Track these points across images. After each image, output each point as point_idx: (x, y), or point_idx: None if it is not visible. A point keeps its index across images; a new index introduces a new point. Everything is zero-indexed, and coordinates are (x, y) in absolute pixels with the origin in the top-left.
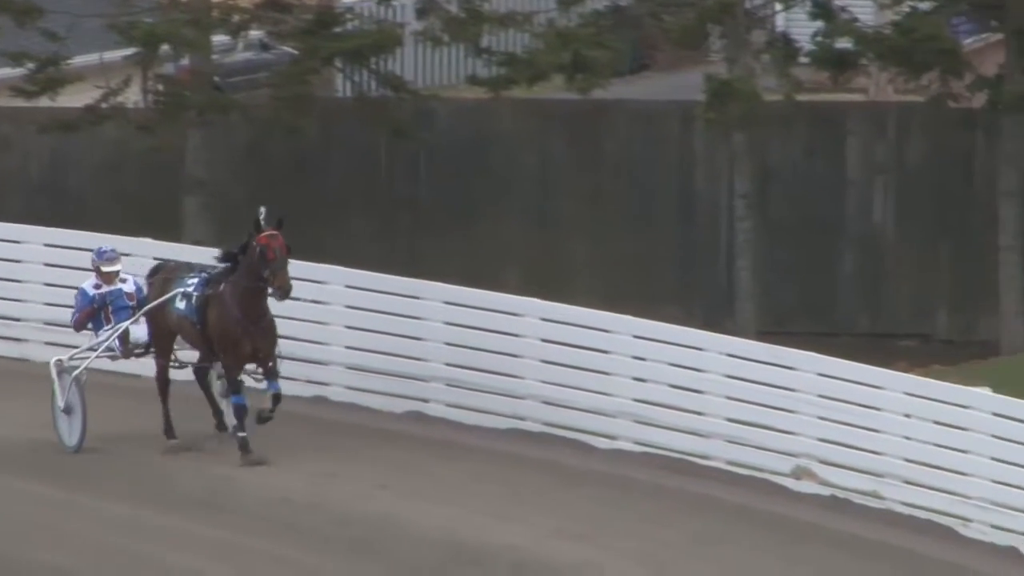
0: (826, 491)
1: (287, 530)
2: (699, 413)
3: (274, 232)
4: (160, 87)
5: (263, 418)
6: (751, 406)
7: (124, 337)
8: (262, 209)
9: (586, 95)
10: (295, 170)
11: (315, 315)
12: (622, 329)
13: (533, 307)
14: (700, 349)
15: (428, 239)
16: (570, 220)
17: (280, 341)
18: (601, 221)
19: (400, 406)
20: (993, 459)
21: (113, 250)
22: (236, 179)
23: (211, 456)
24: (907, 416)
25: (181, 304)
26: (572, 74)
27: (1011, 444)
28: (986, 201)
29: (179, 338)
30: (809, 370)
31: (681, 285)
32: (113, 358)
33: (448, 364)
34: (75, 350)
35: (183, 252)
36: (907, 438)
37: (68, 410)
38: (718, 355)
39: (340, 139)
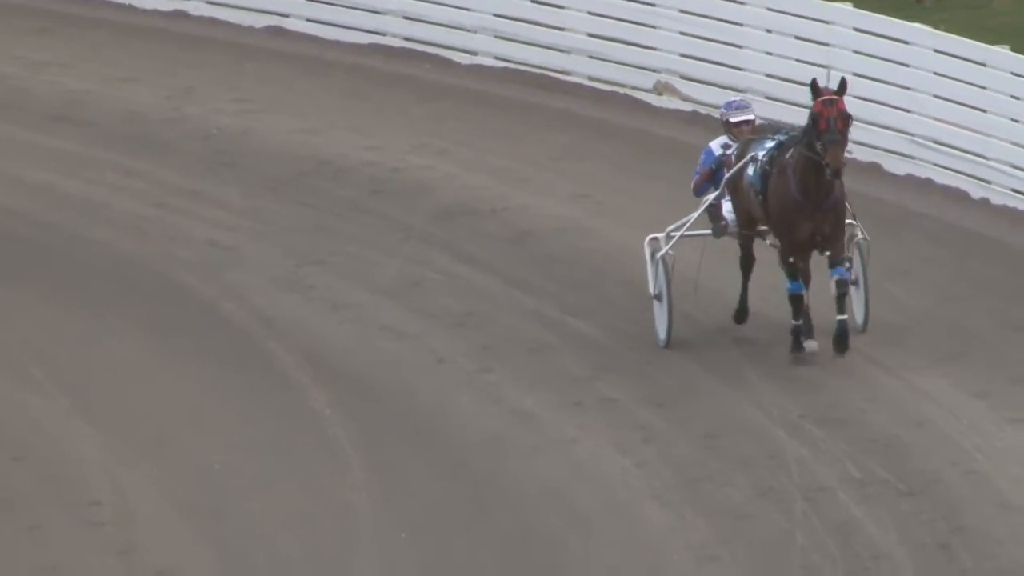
0: (687, 107)
1: (141, 144)
2: (560, 28)
3: (831, 97)
4: None
5: (840, 328)
6: (612, 21)
7: (715, 212)
8: (827, 68)
9: None
10: None
11: None
12: None
13: None
14: None
15: None
16: None
17: None
18: None
19: (260, 21)
20: (855, 74)
21: (743, 100)
22: None
23: (68, 70)
24: (768, 31)
25: (751, 171)
26: None
27: (871, 59)
28: None
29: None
30: None
31: None
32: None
33: None
34: (672, 225)
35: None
36: (768, 53)
37: (658, 297)
38: None
39: None
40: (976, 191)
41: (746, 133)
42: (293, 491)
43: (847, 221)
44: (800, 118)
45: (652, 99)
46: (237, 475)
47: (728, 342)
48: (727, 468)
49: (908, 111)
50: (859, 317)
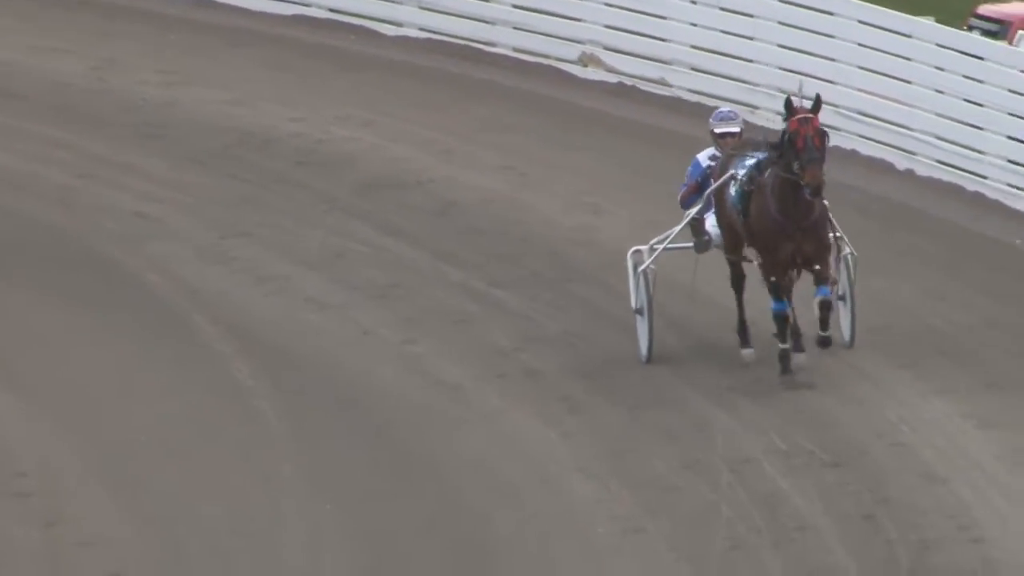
0: (612, 78)
1: (67, 115)
2: (484, 0)
3: (807, 116)
4: None
5: (821, 340)
6: None
7: (698, 227)
8: (800, 84)
9: None
10: None
11: None
12: None
13: None
14: None
15: None
16: None
17: None
18: None
19: None
20: (780, 46)
21: (732, 111)
22: None
23: None
24: (693, 3)
25: (732, 190)
26: None
27: (796, 30)
28: None
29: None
30: None
31: None
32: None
33: None
34: (656, 238)
35: None
36: (693, 24)
37: (640, 311)
38: None
39: None
40: (901, 162)
41: (730, 145)
42: (218, 462)
43: (836, 235)
44: (724, 89)
45: (577, 71)
46: (162, 447)
47: (654, 314)
48: (653, 440)
49: (833, 83)
50: (846, 333)
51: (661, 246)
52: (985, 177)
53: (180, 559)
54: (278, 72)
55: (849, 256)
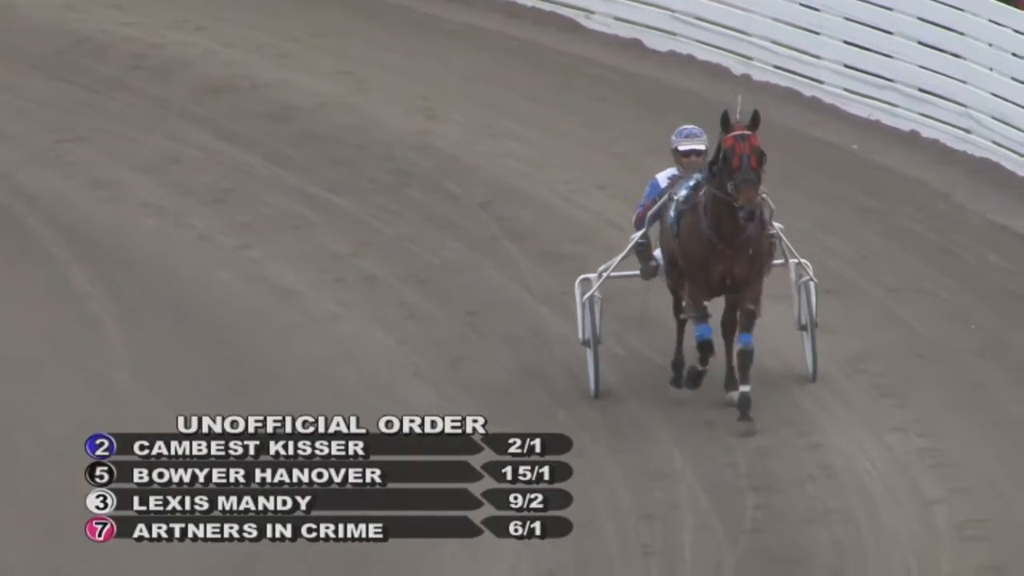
0: None
1: None
2: None
3: (744, 132)
4: None
5: (742, 399)
6: None
7: (644, 252)
8: (739, 98)
9: None
10: None
11: None
12: None
13: None
14: None
15: None
16: None
17: None
18: None
19: None
20: None
21: (696, 128)
22: None
23: None
24: None
25: (672, 212)
26: None
27: None
28: None
29: None
30: None
31: None
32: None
33: None
34: (603, 265)
35: None
36: None
37: (587, 343)
38: None
39: None
40: (738, 67)
41: (694, 163)
42: (55, 369)
43: (795, 261)
44: None
45: None
46: None
47: (490, 219)
48: (490, 345)
49: None
50: (809, 366)
51: (606, 274)
52: (821, 82)
53: (18, 464)
54: None
55: (811, 283)
